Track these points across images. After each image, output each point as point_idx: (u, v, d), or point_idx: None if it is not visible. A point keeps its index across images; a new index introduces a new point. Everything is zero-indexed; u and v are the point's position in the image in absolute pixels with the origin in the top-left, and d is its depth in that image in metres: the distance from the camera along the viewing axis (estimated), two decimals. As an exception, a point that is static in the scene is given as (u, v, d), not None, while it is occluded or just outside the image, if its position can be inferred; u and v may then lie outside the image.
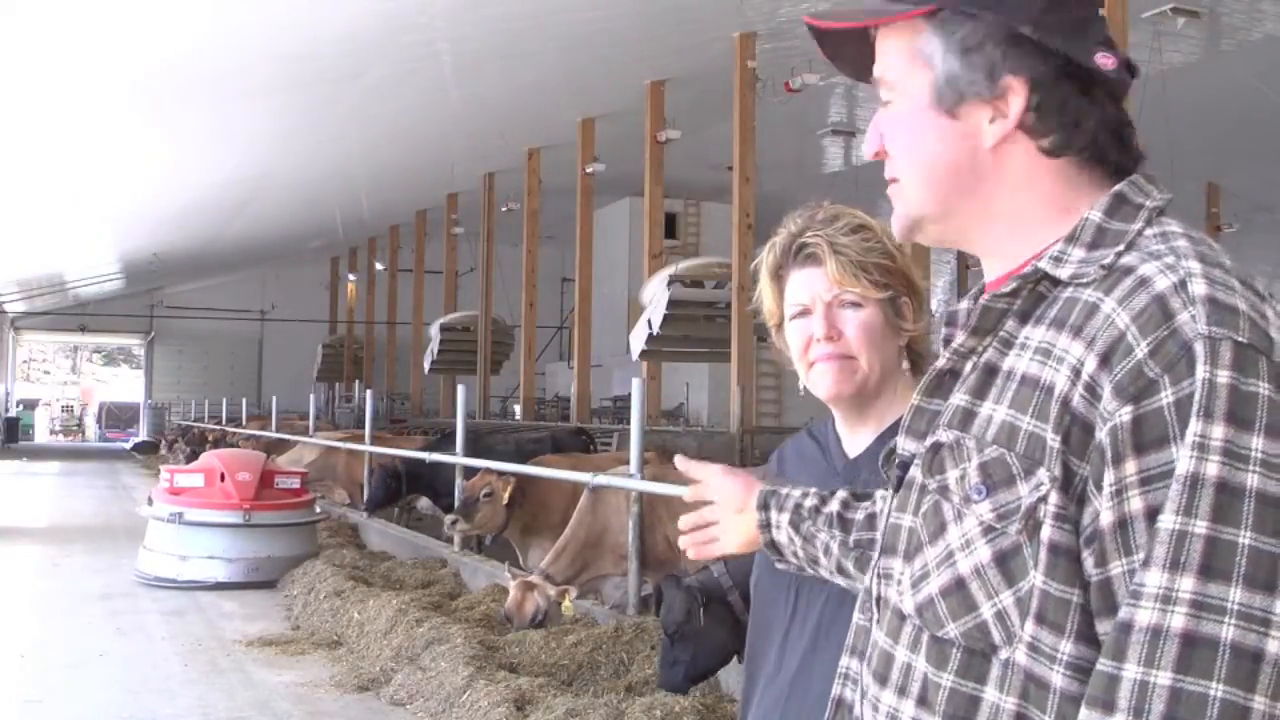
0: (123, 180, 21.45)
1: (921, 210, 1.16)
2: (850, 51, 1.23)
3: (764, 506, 1.67)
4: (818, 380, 1.76)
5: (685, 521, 1.77)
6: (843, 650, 1.25)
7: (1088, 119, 1.10)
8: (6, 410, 42.61)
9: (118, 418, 50.73)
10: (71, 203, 22.51)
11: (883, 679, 1.13)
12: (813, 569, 1.65)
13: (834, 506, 1.62)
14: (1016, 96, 1.10)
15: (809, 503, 1.64)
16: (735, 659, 4.74)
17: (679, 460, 1.85)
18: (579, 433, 14.24)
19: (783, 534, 1.65)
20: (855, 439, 1.81)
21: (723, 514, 1.72)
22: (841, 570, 1.60)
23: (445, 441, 13.37)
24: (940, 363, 1.16)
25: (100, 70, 14.50)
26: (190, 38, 13.53)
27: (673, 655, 4.35)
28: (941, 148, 1.13)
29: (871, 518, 1.55)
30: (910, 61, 1.14)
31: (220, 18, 13.10)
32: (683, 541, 1.78)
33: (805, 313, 1.75)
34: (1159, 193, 1.10)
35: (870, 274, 1.72)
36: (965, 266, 28.67)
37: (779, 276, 1.79)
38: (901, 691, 1.10)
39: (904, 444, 1.19)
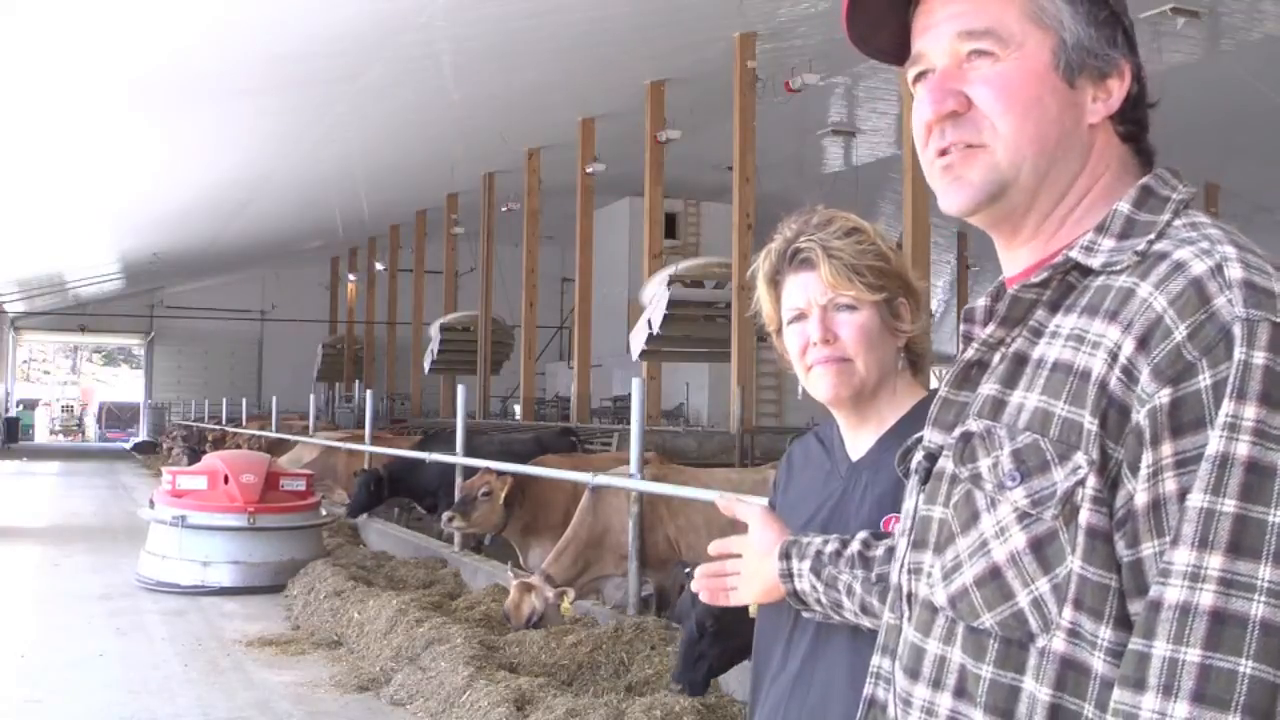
0: (123, 180, 21.46)
1: (1016, 175, 1.12)
2: (887, 32, 1.21)
3: (785, 556, 1.68)
4: (816, 383, 1.77)
5: (704, 569, 1.80)
6: (874, 650, 1.26)
7: (1147, 114, 1.15)
8: (6, 410, 42.62)
9: (118, 418, 50.71)
10: (71, 203, 22.52)
11: (914, 673, 1.13)
12: (837, 614, 1.66)
13: (854, 548, 1.63)
14: (1124, 79, 1.13)
15: (829, 548, 1.65)
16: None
17: (719, 500, 1.87)
18: (566, 433, 14.21)
19: (804, 582, 1.66)
20: (857, 441, 1.82)
21: (748, 562, 1.74)
22: (866, 609, 1.60)
23: (429, 442, 13.28)
24: (968, 354, 1.16)
25: (100, 70, 14.50)
26: (190, 37, 13.53)
27: (698, 651, 4.30)
28: (1058, 113, 1.11)
29: (892, 551, 1.53)
30: (1030, 20, 1.12)
31: (220, 17, 13.10)
32: (695, 585, 1.80)
33: (801, 317, 1.77)
34: (1184, 186, 1.11)
35: (864, 276, 1.73)
36: (965, 267, 28.67)
37: (775, 282, 1.81)
38: (936, 685, 1.09)
39: (931, 436, 1.19)
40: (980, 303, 1.15)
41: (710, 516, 7.12)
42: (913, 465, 1.24)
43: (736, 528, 1.82)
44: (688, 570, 4.90)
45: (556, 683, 5.83)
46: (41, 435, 51.79)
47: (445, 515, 8.86)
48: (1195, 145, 16.40)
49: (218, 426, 25.06)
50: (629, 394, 7.37)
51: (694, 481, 7.18)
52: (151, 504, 10.81)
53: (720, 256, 16.53)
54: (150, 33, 13.28)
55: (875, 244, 1.76)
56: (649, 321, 14.99)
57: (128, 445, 39.39)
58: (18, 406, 47.53)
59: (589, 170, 18.96)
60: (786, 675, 1.76)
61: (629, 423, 7.33)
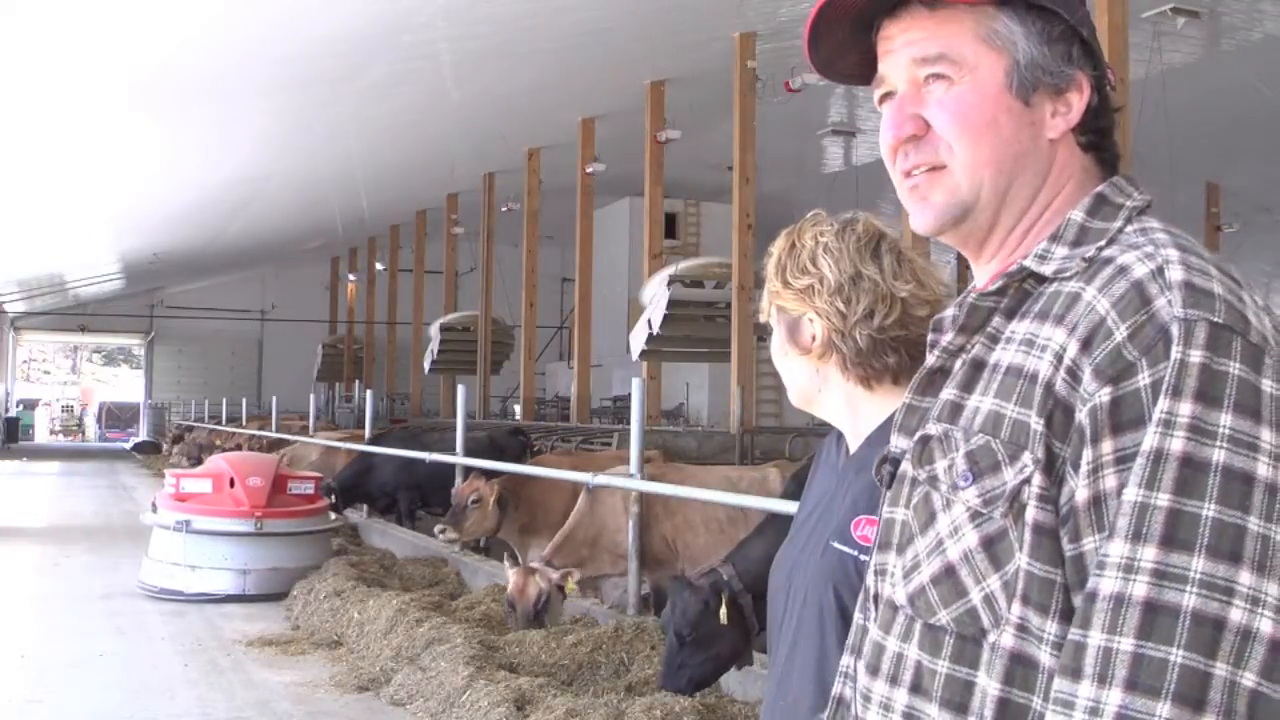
0: (123, 180, 21.45)
1: (976, 196, 1.15)
2: (852, 57, 1.25)
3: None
4: None
5: None
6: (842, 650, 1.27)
7: (1112, 123, 1.18)
8: (6, 410, 42.60)
9: (118, 418, 50.70)
10: (71, 203, 22.51)
11: (874, 670, 1.15)
12: None
13: None
14: (1082, 92, 1.15)
15: None
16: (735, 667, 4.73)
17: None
18: (516, 432, 14.24)
19: None
20: (853, 440, 1.81)
21: None
22: None
23: (378, 443, 13.17)
24: (931, 361, 1.19)
25: (100, 70, 14.50)
26: (190, 37, 13.53)
27: (679, 659, 4.27)
28: (1014, 132, 1.14)
29: None
30: (983, 43, 1.15)
31: (220, 17, 13.09)
32: None
33: None
34: (1139, 193, 1.14)
35: (774, 299, 1.78)
36: (965, 266, 28.67)
37: None
38: (893, 680, 1.12)
39: (896, 441, 1.22)
40: (948, 313, 1.18)
41: (707, 514, 7.12)
42: (879, 475, 1.26)
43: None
44: (675, 577, 4.89)
45: (556, 683, 5.83)
46: (41, 435, 51.74)
47: (437, 529, 8.91)
48: (1195, 145, 16.40)
49: (220, 427, 25.03)
50: (629, 394, 7.37)
51: (692, 480, 7.17)
52: (154, 507, 10.43)
53: (720, 256, 16.50)
54: (150, 33, 13.27)
55: (775, 264, 1.74)
56: (649, 321, 14.97)
57: (128, 445, 39.37)
58: (18, 406, 47.52)
59: (589, 170, 18.96)
60: (776, 668, 1.77)
61: (629, 423, 7.33)
